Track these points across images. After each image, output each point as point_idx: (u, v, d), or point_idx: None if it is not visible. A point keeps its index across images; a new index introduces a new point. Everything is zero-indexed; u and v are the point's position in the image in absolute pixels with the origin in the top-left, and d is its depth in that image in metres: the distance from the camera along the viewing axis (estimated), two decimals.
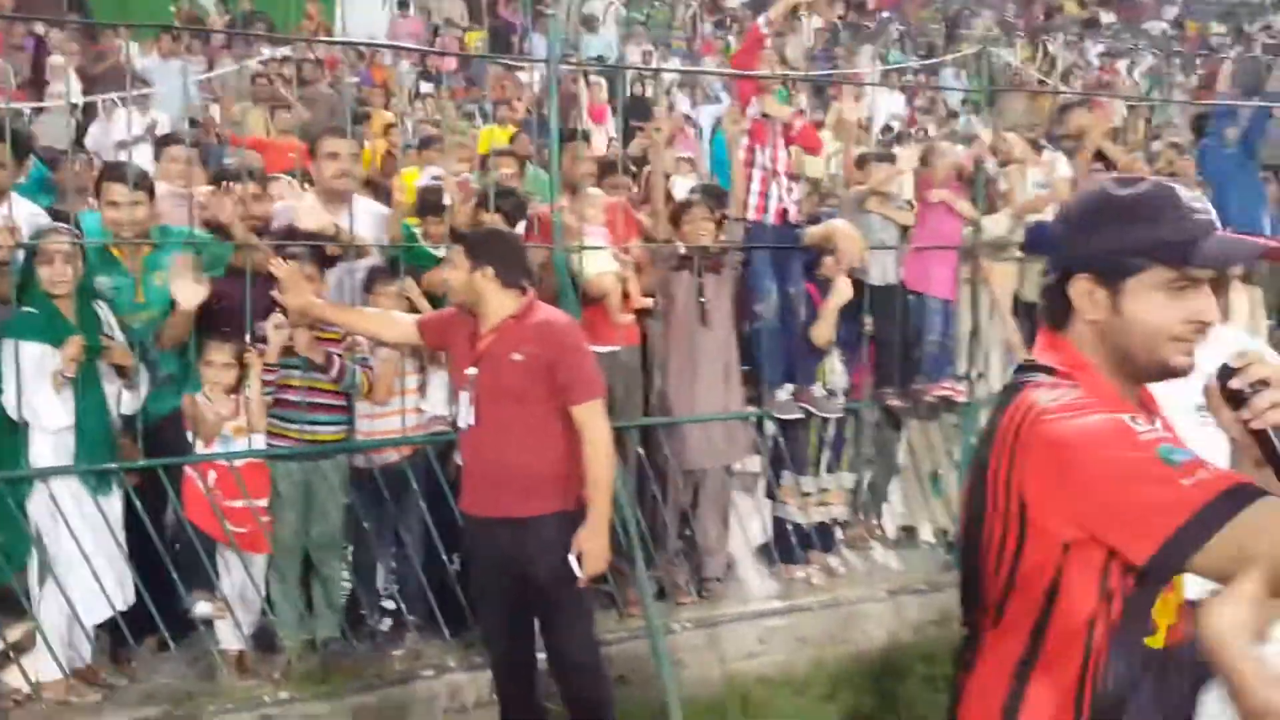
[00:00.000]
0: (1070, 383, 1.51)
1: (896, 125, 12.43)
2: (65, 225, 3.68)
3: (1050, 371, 1.55)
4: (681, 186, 5.55)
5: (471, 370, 3.36)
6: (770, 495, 5.13)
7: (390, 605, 4.33)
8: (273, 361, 3.92)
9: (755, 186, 4.63)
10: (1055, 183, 5.44)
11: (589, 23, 15.66)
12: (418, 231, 4.42)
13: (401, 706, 4.05)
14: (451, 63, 13.66)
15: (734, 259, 4.75)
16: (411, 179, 5.07)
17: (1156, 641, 1.50)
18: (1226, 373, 1.44)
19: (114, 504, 3.73)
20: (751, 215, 4.66)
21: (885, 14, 20.12)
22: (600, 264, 4.35)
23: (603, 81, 13.09)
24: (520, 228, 4.43)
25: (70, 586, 3.61)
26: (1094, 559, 1.44)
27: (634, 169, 5.88)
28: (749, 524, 5.21)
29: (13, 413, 3.54)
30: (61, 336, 3.55)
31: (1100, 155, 5.59)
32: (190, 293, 3.77)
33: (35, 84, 9.55)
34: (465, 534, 3.69)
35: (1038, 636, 1.51)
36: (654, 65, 13.95)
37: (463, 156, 6.26)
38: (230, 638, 3.99)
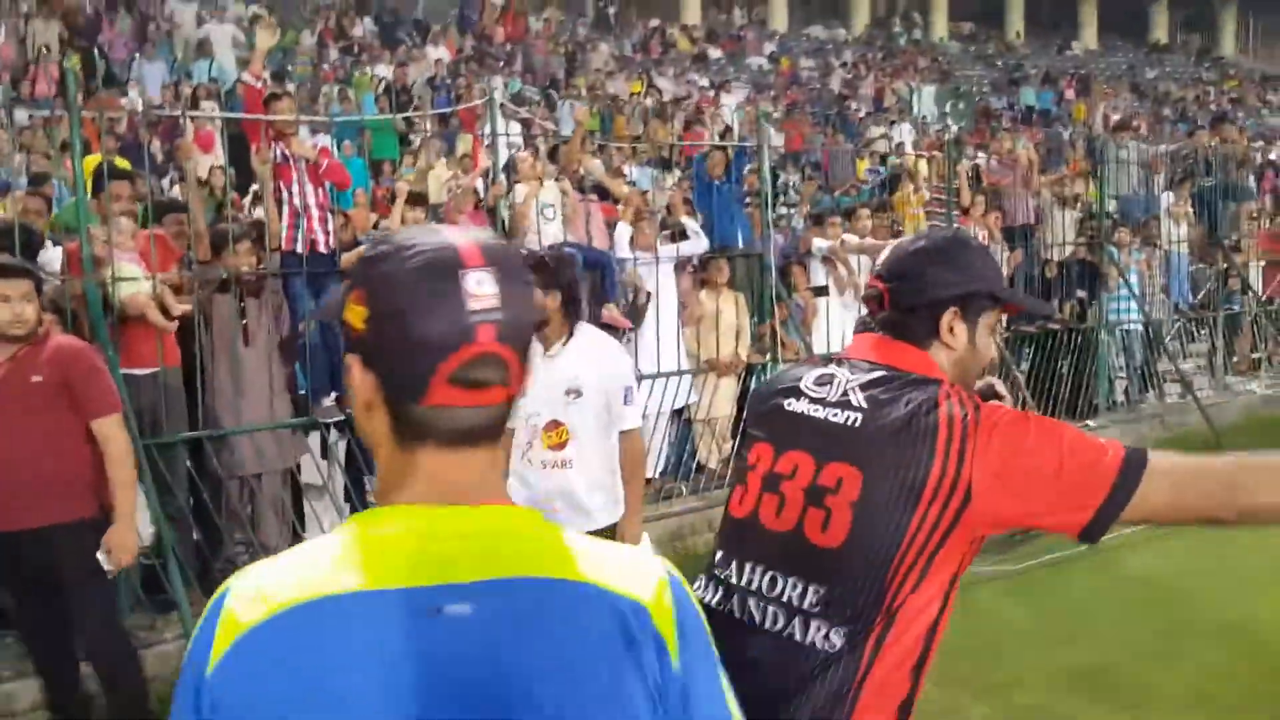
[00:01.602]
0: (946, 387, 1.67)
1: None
2: None
3: (924, 380, 1.68)
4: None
5: None
6: (348, 499, 5.67)
7: None
8: None
9: (285, 220, 5.24)
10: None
11: (203, 46, 15.48)
12: None
13: None
14: (49, 87, 13.13)
15: (275, 284, 5.33)
16: None
17: None
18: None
19: None
20: (284, 246, 5.27)
21: (509, 45, 21.16)
22: (133, 287, 4.79)
23: (215, 108, 13.13)
24: (45, 259, 4.76)
25: None
26: (973, 550, 1.62)
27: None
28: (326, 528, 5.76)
29: None
30: None
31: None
32: None
33: None
34: None
35: (931, 633, 1.60)
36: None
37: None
38: None
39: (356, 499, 5.63)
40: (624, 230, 6.52)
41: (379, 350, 1.02)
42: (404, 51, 18.23)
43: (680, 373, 6.46)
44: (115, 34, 15.41)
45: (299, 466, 5.62)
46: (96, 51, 14.26)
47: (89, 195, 5.01)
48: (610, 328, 6.05)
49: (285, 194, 5.24)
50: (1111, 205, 9.87)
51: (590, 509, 3.62)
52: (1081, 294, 9.02)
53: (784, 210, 8.52)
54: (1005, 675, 4.45)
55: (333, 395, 5.50)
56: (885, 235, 7.75)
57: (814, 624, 1.60)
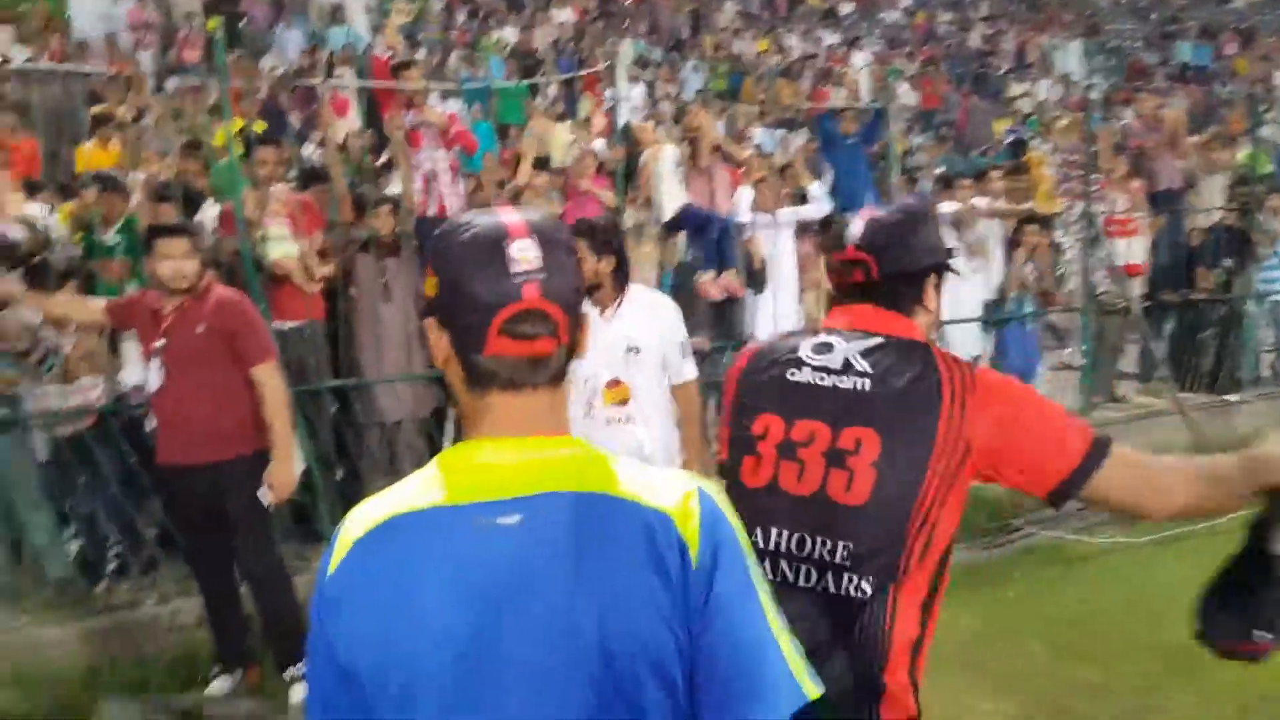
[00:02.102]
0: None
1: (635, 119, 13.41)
2: None
3: (915, 344, 1.82)
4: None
5: (159, 343, 4.03)
6: None
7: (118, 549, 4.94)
8: None
9: (417, 185, 5.47)
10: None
11: (336, 13, 15.96)
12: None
13: (129, 629, 4.68)
14: (196, 53, 13.75)
15: (411, 245, 5.58)
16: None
17: None
18: None
19: None
20: (418, 211, 5.50)
21: (634, 4, 21.13)
22: (282, 249, 5.09)
23: (350, 74, 13.56)
24: (203, 217, 5.10)
25: None
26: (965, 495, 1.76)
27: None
28: None
29: None
30: None
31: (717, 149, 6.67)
32: None
33: None
34: (161, 483, 4.36)
35: (939, 574, 1.75)
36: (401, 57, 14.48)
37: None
38: None
39: None
40: (745, 194, 6.55)
41: (447, 311, 1.21)
42: (529, 15, 18.44)
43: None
44: (254, 1, 15.95)
45: (435, 415, 5.90)
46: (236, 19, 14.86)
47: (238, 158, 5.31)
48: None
49: (416, 159, 5.46)
50: (1269, 169, 9.37)
51: (654, 460, 3.73)
52: (1229, 262, 8.62)
53: (909, 170, 8.36)
54: (1112, 645, 4.42)
55: None
56: (1021, 199, 7.57)
57: (845, 575, 1.73)
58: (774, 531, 1.78)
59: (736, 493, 1.83)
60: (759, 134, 11.59)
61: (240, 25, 14.61)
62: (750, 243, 6.35)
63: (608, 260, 3.63)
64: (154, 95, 11.41)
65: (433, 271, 1.22)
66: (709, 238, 6.11)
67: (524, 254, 1.18)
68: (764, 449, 1.80)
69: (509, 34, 17.07)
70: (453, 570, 1.13)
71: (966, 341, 6.87)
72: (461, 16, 17.66)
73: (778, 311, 6.35)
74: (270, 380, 4.07)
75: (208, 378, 3.99)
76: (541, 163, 6.36)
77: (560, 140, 10.31)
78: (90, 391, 4.78)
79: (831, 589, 1.73)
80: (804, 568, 1.76)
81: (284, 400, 4.12)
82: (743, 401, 1.88)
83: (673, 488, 1.19)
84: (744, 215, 6.46)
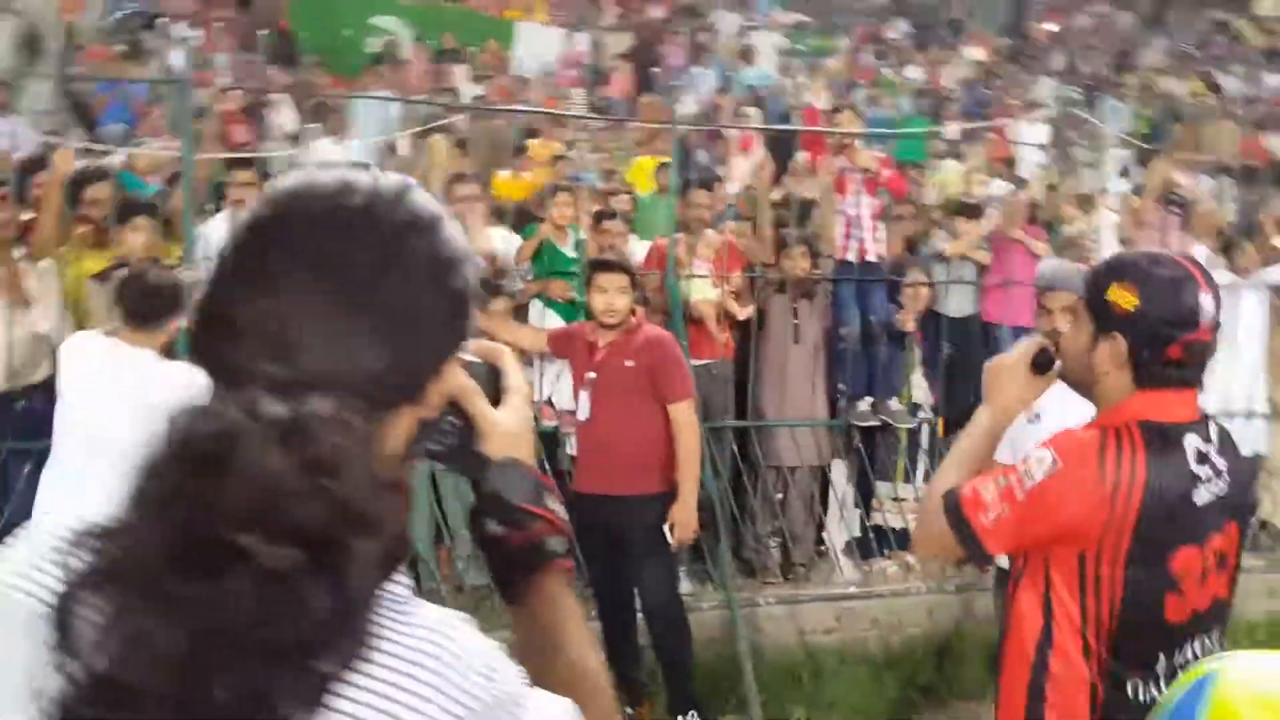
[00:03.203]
0: None
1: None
2: None
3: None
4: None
5: (591, 375, 4.24)
6: (863, 499, 5.79)
7: None
8: None
9: (840, 230, 5.41)
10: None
11: (746, 54, 16.47)
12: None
13: None
14: (621, 90, 14.74)
15: (825, 289, 5.53)
16: None
17: None
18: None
19: None
20: (836, 254, 5.45)
21: (1049, 43, 20.08)
22: (702, 291, 5.23)
23: (752, 111, 13.92)
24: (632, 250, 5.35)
25: None
26: None
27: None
28: (839, 521, 5.92)
29: None
30: None
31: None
32: None
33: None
34: (573, 510, 4.54)
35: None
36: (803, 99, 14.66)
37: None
38: None
39: (863, 506, 5.70)
40: (1200, 250, 5.90)
41: None
42: (937, 52, 18.02)
43: (1251, 414, 5.72)
44: (675, 43, 16.78)
45: (830, 466, 5.81)
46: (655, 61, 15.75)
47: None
48: None
49: (841, 205, 5.41)
50: None
51: None
52: None
53: None
54: None
55: (868, 400, 5.59)
56: None
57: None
58: (1188, 648, 1.83)
59: (1144, 627, 1.81)
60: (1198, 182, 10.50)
61: (657, 66, 15.49)
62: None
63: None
64: (580, 131, 12.30)
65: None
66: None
67: None
68: (1187, 587, 1.80)
69: (913, 72, 16.77)
70: None
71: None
72: (868, 56, 17.58)
73: (1235, 383, 5.64)
74: (687, 419, 4.16)
75: (632, 412, 4.13)
76: (972, 210, 6.08)
77: (955, 181, 9.82)
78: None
79: None
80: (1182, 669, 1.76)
81: (697, 441, 4.20)
82: (1150, 537, 1.78)
83: None
84: None
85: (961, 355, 5.80)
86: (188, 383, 0.80)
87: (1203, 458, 1.80)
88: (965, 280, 5.81)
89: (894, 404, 5.64)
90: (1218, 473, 1.80)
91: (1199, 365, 1.86)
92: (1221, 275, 5.73)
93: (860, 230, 5.40)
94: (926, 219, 6.69)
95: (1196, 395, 1.87)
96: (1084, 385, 1.94)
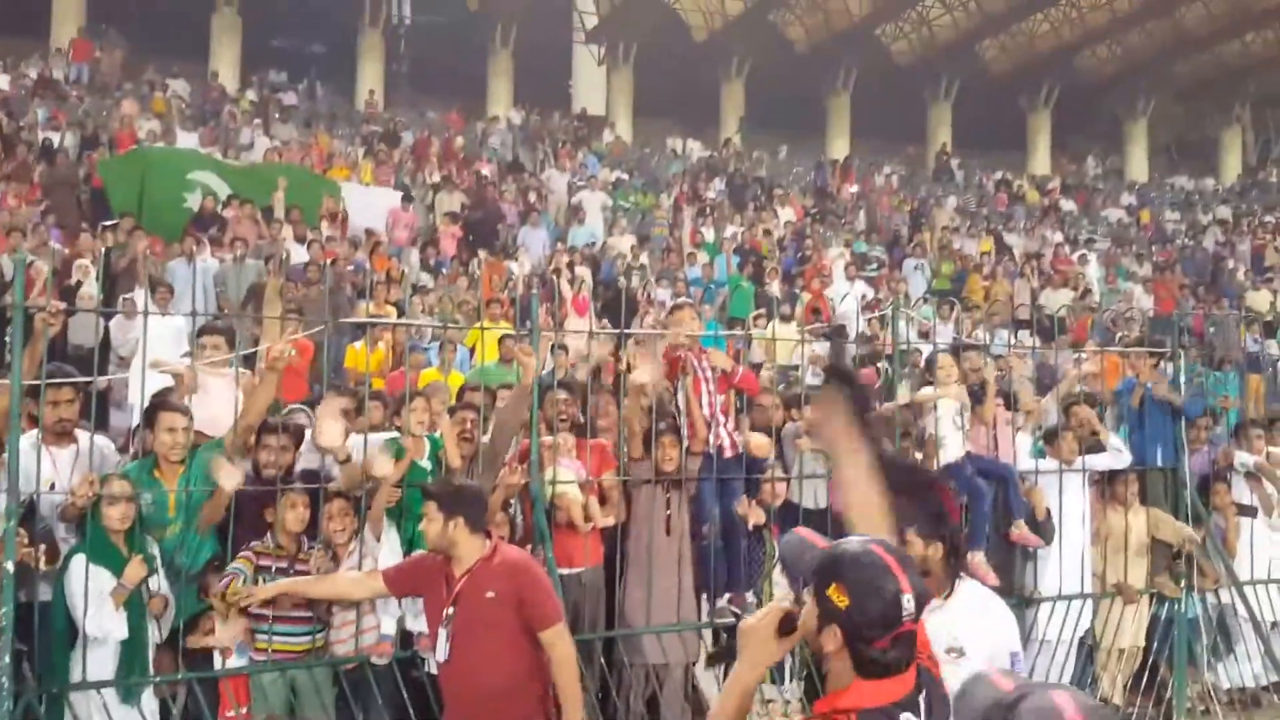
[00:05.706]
0: None
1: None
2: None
3: None
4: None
5: (449, 610, 3.88)
6: None
7: None
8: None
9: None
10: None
11: (577, 213, 16.83)
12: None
13: None
14: (450, 251, 14.69)
15: (692, 485, 5.52)
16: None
17: None
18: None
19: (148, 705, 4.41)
20: (696, 449, 5.48)
21: (852, 204, 21.43)
22: (566, 488, 5.14)
23: (587, 274, 14.17)
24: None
25: None
26: None
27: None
28: None
29: (88, 629, 4.22)
30: (118, 563, 4.29)
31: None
32: (230, 477, 4.48)
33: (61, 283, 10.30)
34: None
35: None
36: (639, 260, 15.07)
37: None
38: None
39: None
40: (1024, 441, 6.25)
41: None
42: (753, 213, 18.94)
43: (1083, 596, 6.00)
44: (506, 202, 16.93)
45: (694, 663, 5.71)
46: (488, 220, 15.88)
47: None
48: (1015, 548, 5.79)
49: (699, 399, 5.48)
50: None
51: None
52: None
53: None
54: None
55: (726, 596, 5.57)
56: None
57: None
58: None
59: None
60: (988, 336, 11.22)
61: (493, 227, 15.61)
62: (1033, 493, 5.99)
63: (935, 546, 3.39)
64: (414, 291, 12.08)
65: None
66: (998, 488, 5.83)
67: None
68: None
69: (732, 230, 17.51)
70: None
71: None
72: (687, 216, 18.28)
73: (1064, 566, 5.92)
74: (564, 652, 3.92)
75: (496, 647, 3.84)
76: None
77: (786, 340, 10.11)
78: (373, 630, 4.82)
79: None
80: None
81: (574, 666, 3.97)
82: None
83: None
84: (1025, 463, 6.14)
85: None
86: None
87: None
88: (817, 474, 5.90)
89: (750, 598, 5.63)
90: None
91: (910, 646, 2.13)
92: (1046, 463, 6.10)
93: (717, 425, 5.46)
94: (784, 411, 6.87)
95: (913, 670, 2.14)
96: (821, 658, 2.19)
